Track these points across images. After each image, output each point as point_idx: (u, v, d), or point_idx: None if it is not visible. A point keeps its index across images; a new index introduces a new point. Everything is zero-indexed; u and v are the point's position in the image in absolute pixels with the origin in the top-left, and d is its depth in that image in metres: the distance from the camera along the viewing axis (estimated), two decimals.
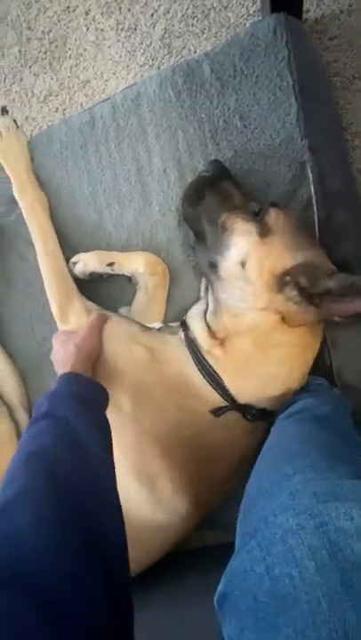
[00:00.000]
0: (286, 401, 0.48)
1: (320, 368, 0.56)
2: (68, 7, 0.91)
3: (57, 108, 0.91)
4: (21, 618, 0.21)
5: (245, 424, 0.49)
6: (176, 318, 0.64)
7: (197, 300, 0.62)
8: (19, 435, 0.73)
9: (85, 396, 0.44)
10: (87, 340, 0.53)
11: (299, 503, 0.27)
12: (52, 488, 0.30)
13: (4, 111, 0.70)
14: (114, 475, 0.37)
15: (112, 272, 0.65)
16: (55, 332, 0.65)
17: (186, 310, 0.61)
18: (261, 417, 0.49)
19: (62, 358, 0.52)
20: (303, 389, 0.50)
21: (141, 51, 0.83)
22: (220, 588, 0.28)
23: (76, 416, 0.39)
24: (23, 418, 0.76)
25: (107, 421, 0.43)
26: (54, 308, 0.62)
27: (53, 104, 0.92)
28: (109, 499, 0.34)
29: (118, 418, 0.48)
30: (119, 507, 0.34)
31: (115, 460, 0.39)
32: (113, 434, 0.43)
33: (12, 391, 0.76)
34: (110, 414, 0.45)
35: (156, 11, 0.82)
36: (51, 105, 0.92)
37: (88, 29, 0.89)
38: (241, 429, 0.49)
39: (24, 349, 0.77)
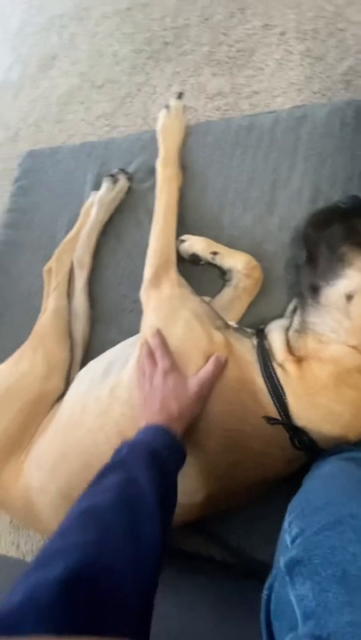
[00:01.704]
0: (339, 446, 0.46)
1: None
2: (267, 25, 0.97)
3: (220, 108, 0.99)
4: None
5: (288, 450, 0.48)
6: (250, 326, 0.65)
7: (278, 316, 0.62)
8: (70, 367, 0.79)
9: (166, 464, 0.42)
10: (193, 407, 0.49)
11: None
12: (97, 559, 0.30)
13: (181, 95, 0.79)
14: (160, 557, 0.36)
15: (211, 261, 0.69)
16: (132, 293, 0.68)
17: (262, 322, 0.62)
18: (309, 449, 0.47)
19: (158, 407, 0.49)
20: (359, 444, 0.47)
21: (319, 80, 0.86)
22: (291, 554, 0.31)
23: (149, 482, 0.38)
24: (78, 355, 0.82)
25: (175, 491, 0.43)
26: (149, 272, 0.66)
27: (218, 104, 0.99)
28: (146, 583, 0.33)
29: None
30: (154, 589, 0.33)
31: None
32: None
33: (80, 329, 0.83)
34: None
35: (349, 48, 0.84)
36: (216, 104, 0.99)
37: (277, 48, 0.95)
38: (282, 452, 0.48)
39: (105, 300, 0.84)
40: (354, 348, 0.46)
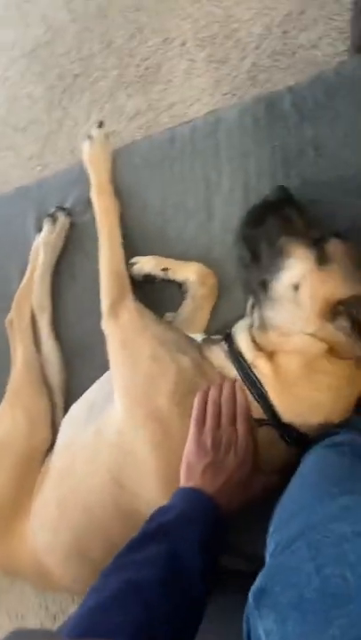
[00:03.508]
0: (325, 431, 0.47)
1: None
2: (167, 38, 1.00)
3: (142, 126, 1.00)
4: None
5: (282, 447, 0.48)
6: (219, 331, 0.66)
7: (241, 316, 0.63)
8: (53, 415, 0.77)
9: (213, 542, 0.41)
10: (245, 503, 0.46)
11: (352, 515, 0.27)
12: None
13: (101, 124, 0.79)
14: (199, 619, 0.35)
15: (165, 277, 0.69)
16: (99, 325, 0.67)
17: (228, 325, 0.63)
18: (300, 442, 0.47)
19: (219, 485, 0.45)
20: (344, 424, 0.48)
21: (227, 81, 0.89)
22: (257, 583, 0.28)
23: (196, 562, 0.36)
24: (60, 401, 0.80)
25: (217, 569, 0.41)
26: (106, 303, 0.66)
27: (139, 122, 1.01)
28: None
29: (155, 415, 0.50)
30: None
31: None
32: None
33: (55, 374, 0.81)
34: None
35: (247, 46, 0.88)
36: (137, 123, 1.01)
37: (181, 59, 0.97)
38: (275, 450, 0.48)
39: (72, 338, 0.83)
40: (313, 335, 0.47)
